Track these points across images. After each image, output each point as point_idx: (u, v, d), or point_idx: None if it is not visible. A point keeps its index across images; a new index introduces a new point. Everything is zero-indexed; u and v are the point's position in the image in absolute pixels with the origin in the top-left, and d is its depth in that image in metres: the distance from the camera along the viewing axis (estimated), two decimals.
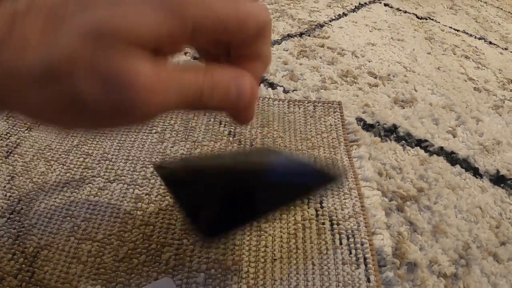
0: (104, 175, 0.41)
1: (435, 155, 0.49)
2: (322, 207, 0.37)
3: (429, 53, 0.71)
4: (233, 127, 0.46)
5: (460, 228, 0.41)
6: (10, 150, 0.44)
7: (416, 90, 0.59)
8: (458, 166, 0.48)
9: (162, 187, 0.40)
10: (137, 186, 0.40)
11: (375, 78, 0.60)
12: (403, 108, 0.55)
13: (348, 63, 0.63)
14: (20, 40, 0.17)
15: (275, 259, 0.33)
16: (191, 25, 0.18)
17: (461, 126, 0.54)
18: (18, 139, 0.45)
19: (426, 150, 0.49)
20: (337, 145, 0.44)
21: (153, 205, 0.38)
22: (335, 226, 0.36)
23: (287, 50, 0.65)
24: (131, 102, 0.17)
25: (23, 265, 0.33)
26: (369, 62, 0.64)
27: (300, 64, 0.62)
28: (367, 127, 0.50)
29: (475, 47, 0.77)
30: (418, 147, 0.49)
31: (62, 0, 0.17)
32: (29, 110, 0.19)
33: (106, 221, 0.37)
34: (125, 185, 0.40)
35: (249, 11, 0.20)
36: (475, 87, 0.64)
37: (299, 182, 0.30)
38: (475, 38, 0.81)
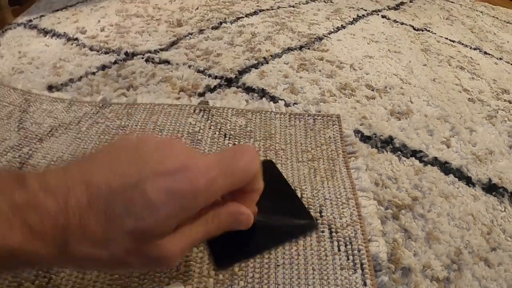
0: None
1: (429, 165, 0.51)
2: (321, 216, 0.40)
3: (425, 65, 0.74)
4: (237, 140, 0.49)
5: (453, 235, 0.44)
6: (23, 161, 0.45)
7: (412, 102, 0.62)
8: (451, 176, 0.50)
9: None
10: None
11: (373, 90, 0.63)
12: (399, 119, 0.58)
13: (347, 76, 0.66)
14: (89, 238, 0.23)
15: (278, 265, 0.36)
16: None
17: (455, 136, 0.57)
18: (30, 150, 0.47)
19: (420, 161, 0.52)
20: (336, 157, 0.47)
21: None
22: (333, 234, 0.38)
23: (288, 64, 0.68)
24: (163, 267, 0.33)
25: (40, 272, 0.35)
26: (367, 74, 0.67)
27: (300, 77, 0.65)
28: (365, 138, 0.53)
29: (470, 57, 0.80)
30: (413, 158, 0.52)
31: (109, 196, 0.24)
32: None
33: None
34: None
35: (251, 167, 0.29)
36: (469, 98, 0.66)
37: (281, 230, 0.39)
38: (470, 48, 0.83)
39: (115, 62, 0.67)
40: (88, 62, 0.67)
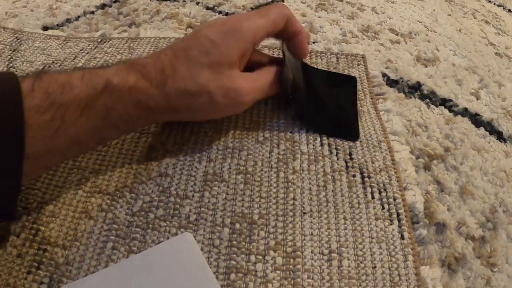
0: None
1: (459, 115, 0.45)
2: (351, 158, 0.34)
3: (449, 15, 0.66)
4: None
5: (487, 191, 0.39)
6: None
7: (438, 50, 0.55)
8: (482, 129, 0.45)
9: (178, 136, 0.35)
10: (150, 135, 0.35)
11: (397, 35, 0.56)
12: (426, 66, 0.51)
13: (369, 19, 0.58)
14: (179, 75, 0.30)
15: (304, 213, 0.30)
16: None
17: (484, 89, 0.51)
18: None
19: (450, 110, 0.46)
20: (363, 98, 0.40)
21: (169, 155, 0.34)
22: (366, 179, 0.32)
23: (305, 3, 0.60)
24: (240, 103, 0.33)
25: (26, 222, 0.29)
26: (390, 19, 0.60)
27: (319, 17, 0.57)
28: (391, 82, 0.46)
29: (495, 13, 0.73)
30: (443, 107, 0.46)
31: (186, 47, 0.32)
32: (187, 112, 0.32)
33: (118, 172, 0.33)
34: (137, 134, 0.36)
35: (281, 9, 0.35)
36: (496, 52, 0.60)
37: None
38: (494, 4, 0.76)
39: (115, 1, 0.60)
40: (86, 1, 0.60)
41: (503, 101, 0.50)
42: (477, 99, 0.49)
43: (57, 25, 0.54)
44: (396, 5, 0.64)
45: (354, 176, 0.32)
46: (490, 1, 0.77)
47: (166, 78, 0.30)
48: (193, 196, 0.31)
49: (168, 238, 0.29)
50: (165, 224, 0.29)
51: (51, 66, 0.44)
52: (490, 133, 0.45)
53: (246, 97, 0.32)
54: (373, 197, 0.31)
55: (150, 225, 0.29)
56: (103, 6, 0.58)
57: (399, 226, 0.30)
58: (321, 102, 0.39)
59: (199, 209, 0.30)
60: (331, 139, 0.35)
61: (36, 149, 0.24)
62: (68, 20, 0.55)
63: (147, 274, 0.26)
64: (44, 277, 0.27)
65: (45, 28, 0.54)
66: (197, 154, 0.34)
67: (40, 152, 0.25)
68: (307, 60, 0.45)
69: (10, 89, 0.24)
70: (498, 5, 0.77)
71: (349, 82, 0.42)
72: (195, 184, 0.32)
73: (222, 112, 0.33)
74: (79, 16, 0.57)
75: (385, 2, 0.64)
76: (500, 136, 0.45)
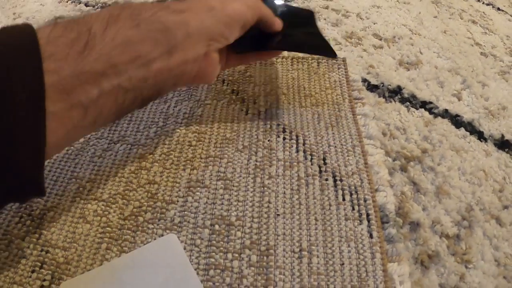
0: (107, 136, 0.39)
1: (439, 117, 0.47)
2: (325, 163, 0.36)
3: (435, 17, 0.68)
4: (235, 85, 0.44)
5: (464, 190, 0.40)
6: None
7: (421, 53, 0.57)
8: (462, 129, 0.46)
9: (165, 146, 0.38)
10: (140, 146, 0.38)
11: (380, 40, 0.58)
12: (408, 70, 0.53)
13: (353, 25, 0.60)
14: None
15: (278, 214, 0.32)
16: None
17: (466, 90, 0.52)
18: None
19: (430, 112, 0.47)
20: (341, 102, 0.42)
21: (157, 164, 0.37)
22: (338, 182, 0.34)
23: None
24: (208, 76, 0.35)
25: (30, 227, 0.32)
26: (374, 24, 0.61)
27: None
28: (371, 87, 0.48)
29: (483, 12, 0.74)
30: (423, 109, 0.47)
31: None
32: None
33: (111, 181, 0.36)
34: (129, 146, 0.39)
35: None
36: (481, 52, 0.61)
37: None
38: (483, 3, 0.77)
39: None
40: None
41: (485, 101, 0.51)
42: (459, 100, 0.50)
43: None
44: (382, 9, 0.66)
45: (326, 179, 0.34)
46: (478, 0, 0.78)
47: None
48: (177, 201, 0.34)
49: (155, 239, 0.32)
50: (153, 226, 0.32)
51: None
52: (471, 133, 0.46)
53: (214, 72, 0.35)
54: (344, 199, 0.33)
55: (140, 228, 0.32)
56: None
57: (368, 226, 0.32)
58: (295, 33, 0.41)
59: (183, 212, 0.33)
60: (307, 145, 0.37)
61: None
62: None
63: (137, 271, 0.29)
64: (46, 275, 0.30)
65: None
66: (182, 163, 0.36)
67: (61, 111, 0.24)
68: (288, 65, 0.47)
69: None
70: (487, 4, 0.77)
71: (309, 16, 0.45)
72: (179, 190, 0.34)
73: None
74: None
75: (370, 7, 0.66)
76: (481, 135, 0.46)
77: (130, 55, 0.27)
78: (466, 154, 0.44)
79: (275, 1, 0.45)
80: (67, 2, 0.67)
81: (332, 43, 0.55)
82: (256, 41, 0.38)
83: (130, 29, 0.27)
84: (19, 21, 0.63)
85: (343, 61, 0.47)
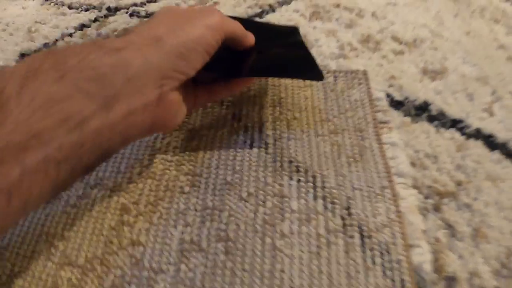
0: (82, 179, 0.31)
1: (472, 138, 0.39)
2: (349, 214, 0.27)
3: (456, 16, 0.58)
4: (237, 109, 0.35)
5: (502, 230, 0.33)
6: None
7: (446, 59, 0.48)
8: (497, 152, 0.38)
9: (152, 193, 0.29)
10: (121, 193, 0.30)
11: (400, 44, 0.49)
12: (434, 80, 0.44)
13: (369, 26, 0.51)
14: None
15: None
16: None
17: (497, 102, 0.44)
18: None
19: (462, 133, 0.39)
20: (364, 127, 0.34)
21: (142, 218, 0.28)
22: (366, 239, 0.26)
23: (298, 11, 0.53)
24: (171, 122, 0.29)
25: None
26: (392, 25, 0.52)
27: (314, 27, 0.50)
28: (395, 104, 0.39)
29: (503, 10, 0.64)
30: (453, 129, 0.39)
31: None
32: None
33: (88, 240, 0.28)
34: (108, 191, 0.31)
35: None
36: (508, 57, 0.52)
37: None
38: (500, 0, 0.67)
39: (95, 20, 0.55)
40: (65, 22, 0.55)
41: None
42: (491, 115, 0.42)
43: (35, 51, 0.50)
44: (398, 7, 0.56)
45: (352, 237, 0.26)
46: None
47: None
48: (168, 269, 0.26)
49: None
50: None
51: None
52: (506, 157, 0.38)
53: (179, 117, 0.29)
54: (374, 263, 0.25)
55: None
56: (82, 27, 0.54)
57: None
58: (271, 52, 0.34)
59: (175, 285, 0.24)
60: (326, 189, 0.28)
61: None
62: (45, 45, 0.51)
63: None
64: None
65: (22, 55, 0.50)
66: (172, 217, 0.28)
67: None
68: (299, 80, 0.38)
69: None
70: (506, 1, 0.67)
71: (292, 32, 0.38)
72: (170, 254, 0.27)
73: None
74: (57, 40, 0.52)
75: (385, 5, 0.56)
76: None
77: (56, 118, 0.20)
78: (504, 184, 0.36)
79: (251, 19, 0.37)
80: (49, 5, 0.61)
81: (347, 49, 0.45)
82: (228, 63, 0.31)
83: (53, 83, 0.20)
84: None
85: (364, 74, 0.37)
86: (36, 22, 0.56)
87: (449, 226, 0.32)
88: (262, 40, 0.33)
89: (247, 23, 0.33)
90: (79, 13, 0.57)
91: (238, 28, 0.31)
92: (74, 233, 0.28)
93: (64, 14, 0.57)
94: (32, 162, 0.19)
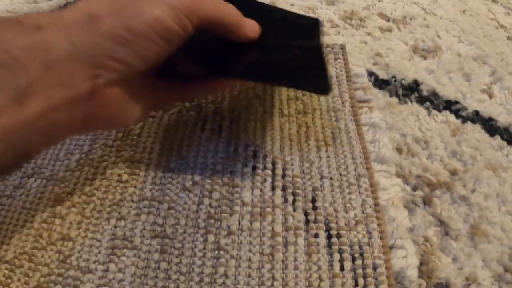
0: (21, 168, 0.27)
1: (469, 121, 0.34)
2: (315, 207, 0.22)
3: None
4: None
5: (505, 227, 0.28)
6: None
7: (439, 37, 0.43)
8: (498, 138, 0.33)
9: (88, 182, 0.25)
10: (57, 182, 0.26)
11: (388, 21, 0.44)
12: (425, 59, 0.39)
13: (353, 3, 0.46)
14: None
15: None
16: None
17: (497, 83, 0.39)
18: None
19: (457, 115, 0.34)
20: (340, 107, 0.28)
21: (74, 209, 0.25)
22: (334, 239, 0.21)
23: None
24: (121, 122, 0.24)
25: None
26: (379, 1, 0.47)
27: (292, 4, 0.45)
28: (380, 83, 0.34)
29: None
30: (448, 111, 0.34)
31: None
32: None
33: (18, 233, 0.24)
34: (44, 181, 0.27)
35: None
36: (508, 36, 0.47)
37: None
38: None
39: (65, 5, 0.50)
40: (36, 10, 0.51)
41: None
42: (490, 97, 0.37)
43: None
44: None
45: (316, 235, 0.21)
46: None
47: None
48: (95, 269, 0.22)
49: None
50: None
51: None
52: (508, 143, 0.33)
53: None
54: (342, 268, 0.20)
55: None
56: None
57: None
58: (277, 50, 0.27)
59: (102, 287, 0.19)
60: (287, 177, 0.23)
61: None
62: None
63: None
64: None
65: None
66: (106, 209, 0.24)
67: None
68: None
69: None
70: None
71: (312, 26, 0.31)
72: (99, 252, 0.23)
73: None
74: None
75: None
76: None
77: None
78: (506, 174, 0.31)
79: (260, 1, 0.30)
80: None
81: (327, 26, 0.40)
82: (219, 57, 0.25)
83: None
84: None
85: (341, 48, 0.32)
86: (8, 11, 0.51)
87: (442, 223, 0.26)
88: (269, 31, 0.27)
89: (252, 6, 0.27)
90: (51, 1, 0.54)
91: (227, 13, 0.24)
92: (6, 225, 0.24)
93: (36, 2, 0.54)
94: None
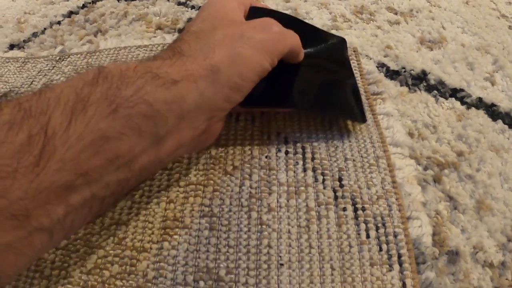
0: None
1: (473, 108, 0.36)
2: (342, 185, 0.25)
3: None
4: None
5: (508, 202, 0.31)
6: None
7: (444, 28, 0.45)
8: (500, 122, 0.36)
9: None
10: None
11: (396, 14, 0.46)
12: (432, 49, 0.42)
13: None
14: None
15: (281, 264, 0.22)
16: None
17: (499, 71, 0.41)
18: None
19: (462, 102, 0.36)
20: None
21: (124, 196, 0.27)
22: (359, 212, 0.24)
23: None
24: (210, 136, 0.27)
25: None
26: None
27: (305, 1, 0.47)
28: (391, 74, 0.37)
29: None
30: (453, 98, 0.37)
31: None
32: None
33: None
34: None
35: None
36: (510, 26, 0.49)
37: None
38: None
39: (83, 6, 0.53)
40: (54, 11, 0.54)
41: None
42: (493, 84, 0.39)
43: (24, 41, 0.49)
44: None
45: (344, 209, 0.24)
46: None
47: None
48: (150, 248, 0.24)
49: None
50: (121, 283, 0.23)
51: (8, 95, 0.38)
52: (510, 126, 0.36)
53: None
54: (368, 236, 0.23)
55: (105, 285, 0.23)
56: (70, 14, 0.52)
57: (401, 272, 0.22)
58: (312, 76, 0.29)
59: (158, 264, 0.23)
60: (316, 160, 0.26)
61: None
62: (34, 34, 0.50)
63: None
64: None
65: (12, 46, 0.48)
66: (154, 194, 0.26)
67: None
68: None
69: None
70: None
71: (340, 45, 0.33)
72: (152, 233, 0.25)
73: None
74: (45, 29, 0.50)
75: None
76: None
77: (106, 157, 0.18)
78: (507, 154, 0.34)
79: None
80: None
81: (340, 20, 0.43)
82: (268, 91, 0.27)
83: (105, 118, 0.18)
84: None
85: (354, 51, 0.35)
86: (25, 13, 0.54)
87: (451, 199, 0.29)
88: (306, 47, 0.29)
89: (288, 21, 0.28)
90: (67, 1, 0.55)
91: (297, 43, 0.27)
92: None
93: (52, 3, 0.55)
94: (77, 201, 0.18)
